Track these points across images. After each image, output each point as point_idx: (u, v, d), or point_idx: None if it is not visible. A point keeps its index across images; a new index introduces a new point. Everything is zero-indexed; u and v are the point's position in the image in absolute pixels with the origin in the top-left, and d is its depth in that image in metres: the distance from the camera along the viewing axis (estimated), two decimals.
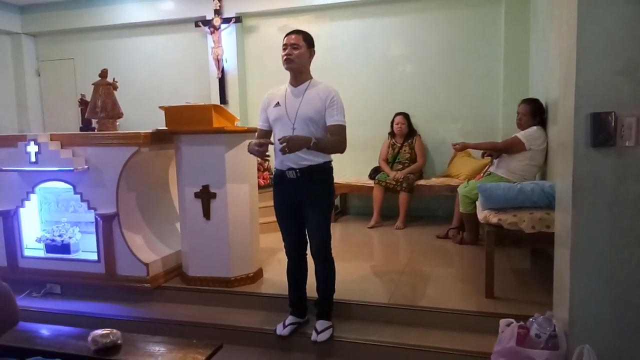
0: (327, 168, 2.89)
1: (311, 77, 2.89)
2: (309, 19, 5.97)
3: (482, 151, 4.71)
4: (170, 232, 4.03)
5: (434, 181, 5.35)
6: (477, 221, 3.78)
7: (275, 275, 3.69)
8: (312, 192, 2.83)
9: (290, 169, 2.82)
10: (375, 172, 5.54)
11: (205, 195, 3.49)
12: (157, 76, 6.71)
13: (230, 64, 6.25)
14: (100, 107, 3.97)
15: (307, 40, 2.83)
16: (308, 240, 2.97)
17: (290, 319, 3.06)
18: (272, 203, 3.02)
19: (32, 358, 1.07)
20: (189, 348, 1.96)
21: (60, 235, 3.86)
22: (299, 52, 2.78)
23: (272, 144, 2.81)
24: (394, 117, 5.57)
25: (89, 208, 3.70)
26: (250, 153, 2.87)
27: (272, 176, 4.70)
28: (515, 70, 5.25)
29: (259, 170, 4.70)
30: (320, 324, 2.95)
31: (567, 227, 2.04)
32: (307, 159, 2.78)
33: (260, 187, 4.38)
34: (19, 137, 3.83)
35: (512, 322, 2.22)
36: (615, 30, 1.89)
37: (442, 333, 2.92)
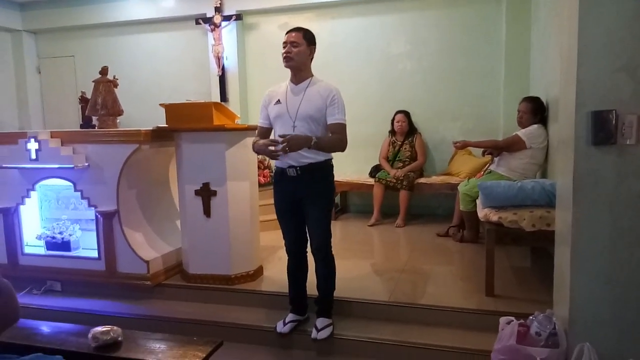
0: (327, 166, 2.89)
1: (312, 75, 2.89)
2: (309, 17, 5.96)
3: (482, 149, 4.71)
4: (170, 229, 4.03)
5: (435, 179, 5.35)
6: (478, 219, 3.78)
7: (276, 273, 3.69)
8: (312, 190, 2.83)
9: (291, 166, 2.81)
10: (375, 170, 5.54)
11: (206, 193, 3.49)
12: (157, 74, 6.70)
13: (230, 61, 6.25)
14: (100, 105, 3.96)
15: (308, 37, 2.82)
16: (308, 238, 2.97)
17: (290, 316, 3.06)
18: (272, 201, 3.02)
19: (33, 354, 1.07)
20: (189, 345, 1.96)
21: (60, 233, 3.87)
22: (299, 50, 2.77)
23: (284, 146, 2.65)
24: (395, 115, 5.56)
25: (90, 205, 3.70)
26: (259, 153, 2.87)
27: (272, 174, 4.71)
28: (516, 68, 5.24)
29: (259, 168, 4.70)
30: (321, 322, 2.96)
31: (568, 225, 2.04)
32: (307, 156, 2.78)
33: (260, 184, 4.39)
34: (19, 134, 3.83)
35: (513, 320, 2.23)
36: (616, 28, 1.89)
37: (443, 331, 2.92)
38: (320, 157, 2.81)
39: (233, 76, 6.28)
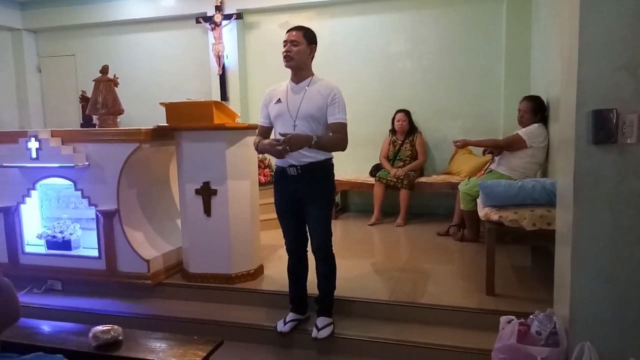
0: (328, 165, 2.89)
1: (312, 74, 2.88)
2: (309, 16, 5.96)
3: (483, 148, 4.71)
4: (171, 228, 4.04)
5: (435, 178, 5.35)
6: (478, 218, 3.78)
7: (276, 272, 3.69)
8: (313, 189, 2.83)
9: (291, 165, 2.81)
10: (376, 169, 5.54)
11: (206, 192, 3.49)
12: (158, 73, 6.70)
13: (231, 60, 6.25)
14: (101, 104, 3.97)
15: (308, 36, 2.81)
16: (309, 237, 2.97)
17: (290, 315, 3.07)
18: (272, 200, 3.01)
19: (34, 354, 1.07)
20: (189, 344, 1.96)
21: (61, 232, 3.87)
22: (299, 49, 2.77)
23: (284, 145, 2.65)
24: (395, 114, 5.56)
25: (90, 204, 3.70)
26: (262, 153, 2.87)
27: (272, 173, 4.71)
28: (517, 67, 5.24)
29: (259, 167, 4.70)
30: (321, 321, 2.96)
31: (568, 224, 2.04)
32: (308, 156, 2.77)
33: (260, 184, 4.39)
34: (19, 133, 3.83)
35: (513, 319, 2.22)
36: (617, 26, 1.88)
37: (443, 330, 2.92)
38: (320, 156, 2.80)
39: (233, 75, 6.28)
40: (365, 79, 5.87)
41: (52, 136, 3.68)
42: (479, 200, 3.68)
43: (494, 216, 3.22)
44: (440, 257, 4.13)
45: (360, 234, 4.98)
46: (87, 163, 3.62)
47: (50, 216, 4.05)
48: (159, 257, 3.72)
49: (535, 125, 3.97)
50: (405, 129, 5.51)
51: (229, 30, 6.16)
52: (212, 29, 6.15)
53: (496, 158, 4.25)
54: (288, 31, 2.83)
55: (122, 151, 3.54)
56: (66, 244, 3.85)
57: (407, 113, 5.54)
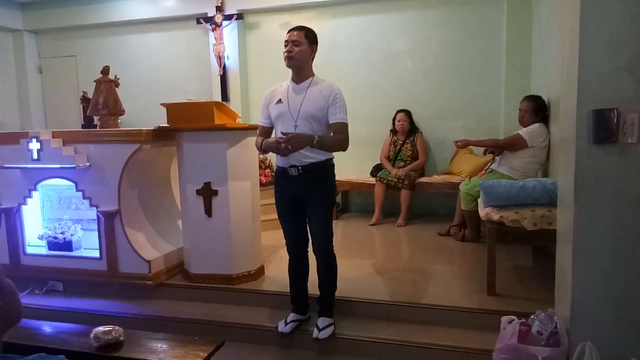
0: (329, 165, 2.89)
1: (313, 74, 2.88)
2: (310, 16, 5.96)
3: (483, 148, 4.71)
4: (172, 229, 4.04)
5: (436, 178, 5.35)
6: (479, 218, 3.78)
7: (277, 273, 3.69)
8: (313, 189, 2.83)
9: (292, 166, 2.81)
10: (376, 170, 5.54)
11: (207, 193, 3.50)
12: (158, 73, 6.71)
13: (231, 61, 6.25)
14: (102, 104, 3.97)
15: (309, 36, 2.81)
16: (309, 238, 2.97)
17: (292, 316, 3.07)
18: (273, 200, 3.01)
19: (36, 354, 1.07)
20: (191, 345, 1.96)
21: (62, 233, 3.87)
22: (300, 49, 2.77)
23: (286, 144, 2.65)
24: (396, 114, 5.56)
25: (91, 205, 3.71)
26: (266, 151, 2.87)
27: (273, 174, 4.71)
28: (517, 67, 5.24)
29: (260, 167, 4.71)
30: (322, 321, 2.96)
31: (569, 224, 2.04)
32: (309, 156, 2.78)
33: (261, 184, 4.39)
34: (21, 134, 3.83)
35: (514, 319, 2.22)
36: (618, 25, 1.88)
37: (444, 330, 2.92)
38: (321, 156, 2.80)
39: (234, 75, 6.28)
40: (366, 80, 5.87)
41: (53, 137, 3.69)
42: (479, 200, 3.68)
43: (495, 216, 3.22)
44: (441, 257, 4.13)
45: (361, 234, 4.98)
46: (88, 164, 3.62)
47: (52, 217, 4.06)
48: (160, 257, 3.72)
49: (536, 125, 3.97)
50: (406, 129, 5.51)
51: (229, 30, 6.16)
52: (213, 30, 6.15)
53: (497, 158, 4.25)
54: (289, 31, 2.83)
55: (123, 152, 3.54)
56: (67, 245, 3.85)
57: (407, 113, 5.54)
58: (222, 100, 6.04)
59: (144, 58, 6.78)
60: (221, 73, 6.24)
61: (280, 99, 2.86)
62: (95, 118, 4.43)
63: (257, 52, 6.32)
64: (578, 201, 1.98)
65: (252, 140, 3.34)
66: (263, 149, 2.90)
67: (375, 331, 2.97)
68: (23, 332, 2.06)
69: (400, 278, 3.58)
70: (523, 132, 3.97)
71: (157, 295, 3.64)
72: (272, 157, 2.98)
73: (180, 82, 6.57)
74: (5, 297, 1.14)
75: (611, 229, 1.96)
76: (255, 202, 3.70)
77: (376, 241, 4.89)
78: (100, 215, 3.66)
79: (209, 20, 6.16)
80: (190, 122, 3.51)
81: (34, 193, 3.90)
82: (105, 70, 4.06)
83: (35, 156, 3.66)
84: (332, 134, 2.82)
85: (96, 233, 3.73)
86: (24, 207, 3.94)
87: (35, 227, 4.02)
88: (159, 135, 3.62)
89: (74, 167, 3.57)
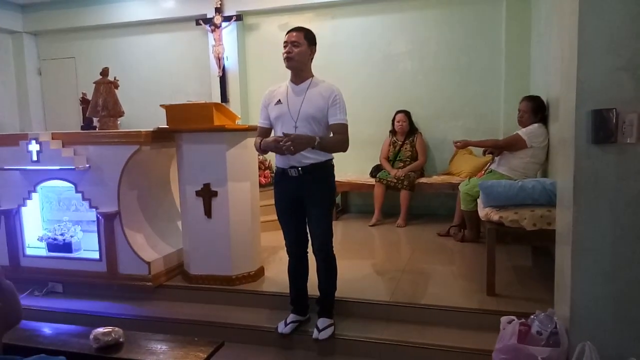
0: (328, 166, 2.89)
1: (312, 75, 2.88)
2: (310, 17, 5.96)
3: (483, 149, 4.71)
4: (171, 230, 4.04)
5: (435, 179, 5.35)
6: (478, 219, 3.78)
7: (277, 274, 3.69)
8: (313, 190, 2.83)
9: (292, 167, 2.81)
10: (376, 170, 5.54)
11: (207, 194, 3.50)
12: (158, 74, 6.71)
13: (231, 62, 6.25)
14: (101, 106, 3.97)
15: (309, 37, 2.81)
16: (309, 238, 2.97)
17: (291, 317, 3.06)
18: (273, 201, 3.01)
19: (37, 355, 1.07)
20: (190, 346, 1.96)
21: (62, 234, 3.87)
22: (299, 50, 2.77)
23: (288, 145, 2.63)
24: (395, 114, 5.56)
25: (91, 207, 3.71)
26: (266, 151, 2.88)
27: (273, 175, 4.71)
28: (517, 67, 5.24)
29: (260, 168, 4.71)
30: (322, 322, 2.96)
31: (569, 224, 2.04)
32: (309, 157, 2.78)
33: (261, 185, 4.39)
34: (20, 135, 3.84)
35: (514, 320, 2.23)
36: (617, 25, 1.89)
37: (444, 330, 2.93)
38: (321, 157, 2.81)
39: (233, 77, 6.28)
40: (366, 80, 5.88)
41: (52, 139, 3.68)
42: (479, 201, 3.68)
43: (495, 216, 3.22)
44: (441, 258, 4.13)
45: (361, 235, 4.98)
46: (87, 165, 3.62)
47: (51, 219, 4.06)
48: (160, 259, 3.72)
49: (535, 125, 3.97)
50: (406, 130, 5.51)
51: (229, 32, 6.17)
52: (212, 31, 6.15)
53: (496, 158, 4.25)
54: (288, 32, 2.83)
55: (122, 153, 3.54)
56: (67, 247, 3.85)
57: (407, 114, 5.54)
58: (222, 102, 6.04)
59: (143, 59, 6.78)
60: (220, 74, 6.25)
61: (279, 100, 2.86)
62: (95, 119, 4.44)
63: (256, 53, 6.32)
64: (577, 201, 1.99)
65: (251, 142, 3.34)
66: (262, 149, 2.90)
67: (375, 332, 2.97)
68: (23, 334, 2.05)
69: (400, 278, 3.58)
70: (522, 132, 3.98)
71: (156, 297, 3.64)
72: (272, 158, 2.97)
73: (179, 84, 6.57)
74: (5, 299, 1.14)
75: (610, 229, 1.96)
76: (255, 203, 3.70)
77: (376, 242, 4.89)
78: (100, 217, 3.66)
79: (208, 21, 6.16)
80: (190, 123, 3.51)
81: (34, 194, 3.90)
82: (105, 72, 4.06)
83: (34, 158, 3.66)
84: (331, 135, 2.82)
85: (96, 234, 3.73)
86: (23, 209, 3.94)
87: (35, 228, 4.02)
88: (159, 137, 3.62)
89: (73, 169, 3.57)
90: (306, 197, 2.85)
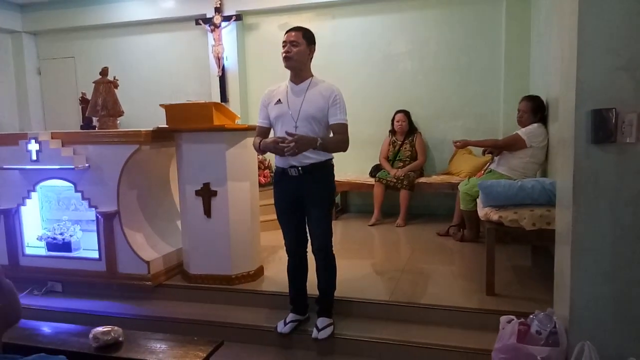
0: (328, 165, 2.89)
1: (312, 75, 2.88)
2: (309, 17, 5.96)
3: (482, 148, 4.71)
4: (171, 230, 4.04)
5: (435, 179, 5.35)
6: (478, 218, 3.78)
7: (276, 273, 3.69)
8: (313, 190, 2.83)
9: (292, 166, 2.81)
10: (376, 170, 5.54)
11: (206, 193, 3.50)
12: (157, 74, 6.71)
13: (230, 62, 6.25)
14: (101, 105, 3.97)
15: (308, 37, 2.81)
16: (309, 238, 2.97)
17: (291, 316, 3.07)
18: (272, 201, 3.01)
19: (36, 354, 1.07)
20: (190, 345, 1.96)
21: (61, 234, 3.87)
22: (298, 50, 2.77)
23: (292, 146, 2.64)
24: (395, 114, 5.56)
25: (90, 206, 3.70)
26: (265, 152, 2.88)
27: (272, 174, 4.71)
28: (516, 67, 5.24)
29: (259, 168, 4.70)
30: (321, 322, 2.96)
31: (568, 224, 2.04)
32: (310, 157, 2.78)
33: (260, 185, 4.39)
34: (20, 135, 3.83)
35: (513, 319, 2.23)
36: (617, 25, 1.89)
37: (443, 330, 2.93)
38: (321, 157, 2.81)
39: (233, 76, 6.28)
40: (366, 80, 5.88)
41: (52, 138, 3.68)
42: (478, 201, 3.69)
43: (494, 216, 3.22)
44: (440, 258, 4.13)
45: (360, 235, 4.98)
46: (87, 165, 3.62)
47: (51, 218, 4.06)
48: (159, 258, 3.72)
49: (535, 125, 3.97)
50: (405, 130, 5.51)
51: (228, 31, 6.16)
52: (212, 31, 6.15)
53: (496, 158, 4.25)
54: (287, 32, 2.83)
55: (122, 153, 3.54)
56: (66, 246, 3.85)
57: (406, 113, 5.54)
58: (221, 101, 6.04)
59: (143, 59, 6.78)
60: (220, 74, 6.24)
61: (279, 100, 2.86)
62: (94, 119, 4.43)
63: (255, 53, 6.32)
64: (577, 201, 1.99)
65: (251, 141, 3.34)
66: (261, 149, 2.90)
67: (375, 331, 2.97)
68: (22, 333, 2.06)
69: (400, 278, 3.58)
70: (522, 132, 3.98)
71: (156, 296, 3.64)
72: (271, 158, 2.97)
73: (179, 83, 6.57)
74: (4, 298, 1.14)
75: (610, 228, 1.97)
76: (255, 203, 3.70)
77: (375, 241, 4.89)
78: (99, 216, 3.66)
79: (208, 21, 6.16)
80: (189, 123, 3.51)
81: (33, 194, 3.90)
82: (104, 72, 4.06)
83: (34, 157, 3.66)
84: (331, 135, 2.82)
85: (95, 234, 3.73)
86: (22, 208, 3.94)
87: (34, 228, 4.02)
88: (158, 136, 3.61)
89: (72, 168, 3.57)
90: (306, 197, 2.85)
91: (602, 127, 1.91)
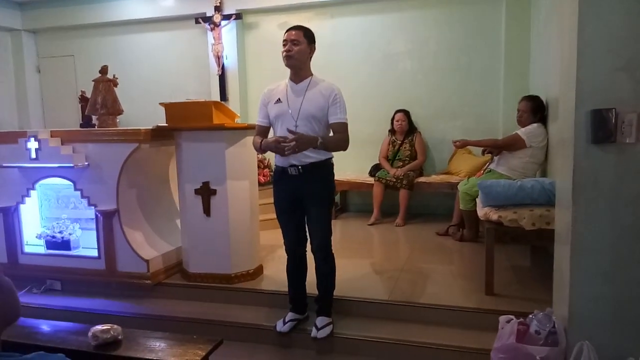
0: (328, 165, 2.89)
1: (312, 74, 2.88)
2: (309, 16, 5.95)
3: (482, 148, 4.71)
4: (170, 228, 4.04)
5: (434, 178, 5.35)
6: (477, 218, 3.78)
7: (276, 272, 3.69)
8: (313, 189, 2.83)
9: (292, 165, 2.81)
10: (375, 169, 5.54)
11: (206, 192, 3.50)
12: (157, 73, 6.70)
13: (230, 60, 6.25)
14: (100, 104, 3.97)
15: (308, 36, 2.81)
16: (308, 237, 2.97)
17: (290, 315, 3.07)
18: (272, 200, 3.01)
19: (36, 353, 1.07)
20: (189, 344, 1.96)
21: (60, 232, 3.87)
22: (299, 49, 2.76)
23: (294, 145, 2.63)
24: (394, 114, 5.56)
25: (89, 204, 3.70)
26: (265, 151, 2.88)
27: (272, 173, 4.71)
28: (516, 67, 5.24)
29: (259, 167, 4.70)
30: (320, 321, 2.96)
31: (567, 223, 2.04)
32: (310, 156, 2.78)
33: (260, 184, 4.39)
34: (19, 133, 3.83)
35: (512, 319, 2.23)
36: (617, 26, 1.89)
37: (442, 330, 2.93)
38: (321, 156, 2.81)
39: (233, 75, 6.28)
40: (365, 80, 5.88)
41: (51, 136, 3.68)
42: (478, 200, 3.69)
43: (493, 216, 3.22)
44: (440, 257, 4.14)
45: (360, 234, 4.98)
46: (86, 163, 3.62)
47: (50, 216, 4.05)
48: (159, 257, 3.72)
49: (535, 125, 3.98)
50: (405, 129, 5.51)
51: (228, 30, 6.16)
52: (212, 29, 6.14)
53: (495, 158, 4.25)
54: (287, 30, 2.82)
55: (121, 151, 3.54)
56: (65, 244, 3.85)
57: (406, 113, 5.54)
58: (221, 100, 6.03)
59: (143, 58, 6.77)
60: (220, 73, 6.24)
61: (279, 99, 2.85)
62: (94, 117, 4.43)
63: (255, 52, 6.31)
64: (576, 201, 1.99)
65: (250, 140, 3.33)
66: (262, 149, 2.89)
67: (374, 330, 2.97)
68: (21, 331, 2.06)
69: (399, 278, 3.58)
70: (521, 132, 3.98)
71: (155, 295, 3.63)
72: (271, 157, 2.97)
73: (179, 82, 6.56)
74: (3, 296, 1.14)
75: (609, 229, 1.97)
76: (254, 202, 3.70)
77: (374, 241, 4.89)
78: (99, 215, 3.66)
79: (208, 20, 6.15)
80: (189, 121, 3.51)
81: (32, 192, 3.90)
82: (104, 70, 4.06)
83: (33, 155, 3.65)
84: (331, 134, 2.82)
85: (94, 232, 3.73)
86: (22, 206, 3.93)
87: (34, 226, 4.02)
88: (158, 135, 3.61)
89: (72, 166, 3.57)
90: (306, 196, 2.85)
91: (601, 127, 1.91)
